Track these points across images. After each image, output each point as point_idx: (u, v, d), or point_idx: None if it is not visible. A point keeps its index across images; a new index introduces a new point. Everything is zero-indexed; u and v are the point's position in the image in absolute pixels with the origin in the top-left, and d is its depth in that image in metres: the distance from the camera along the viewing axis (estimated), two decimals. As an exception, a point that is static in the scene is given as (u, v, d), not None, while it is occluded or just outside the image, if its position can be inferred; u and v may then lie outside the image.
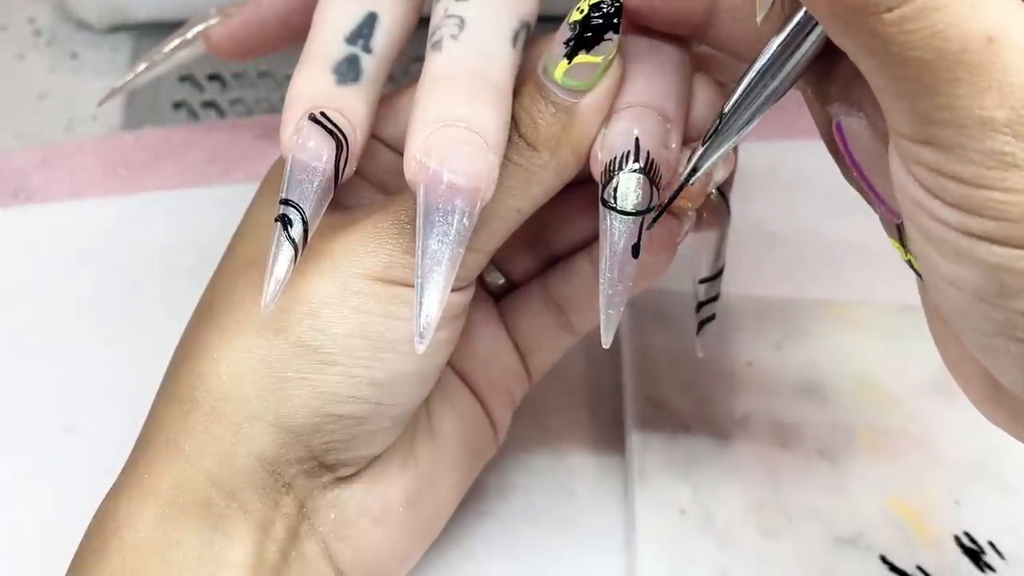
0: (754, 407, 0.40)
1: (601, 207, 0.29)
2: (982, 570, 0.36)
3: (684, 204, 0.31)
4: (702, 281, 0.35)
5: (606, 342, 0.29)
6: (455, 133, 0.27)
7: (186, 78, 0.52)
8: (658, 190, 0.29)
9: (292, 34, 0.35)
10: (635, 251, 0.29)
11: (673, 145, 0.29)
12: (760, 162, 0.47)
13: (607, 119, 0.29)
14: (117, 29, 0.54)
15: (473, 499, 0.38)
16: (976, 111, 0.22)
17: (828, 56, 0.26)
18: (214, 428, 0.29)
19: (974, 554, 0.36)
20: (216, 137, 0.49)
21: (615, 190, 0.28)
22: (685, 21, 0.29)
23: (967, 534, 0.37)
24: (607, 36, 0.28)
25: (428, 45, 0.28)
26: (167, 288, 0.43)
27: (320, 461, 0.30)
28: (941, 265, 0.24)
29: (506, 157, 0.28)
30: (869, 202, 0.27)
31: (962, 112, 0.22)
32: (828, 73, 0.26)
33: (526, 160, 0.29)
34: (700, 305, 0.35)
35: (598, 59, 0.28)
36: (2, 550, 0.37)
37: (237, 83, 0.52)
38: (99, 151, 0.48)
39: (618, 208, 0.28)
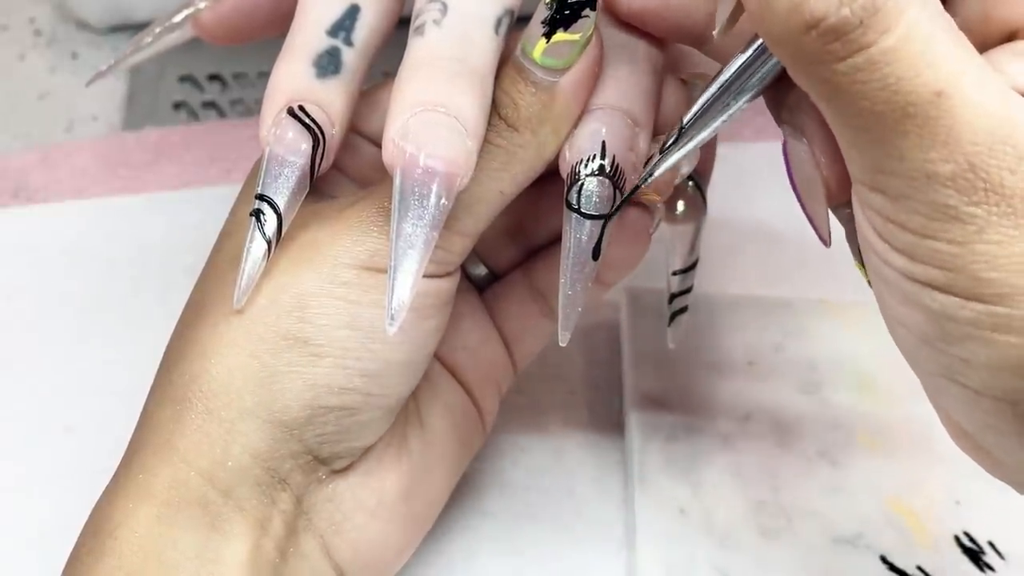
0: (754, 407, 0.40)
1: (565, 208, 0.29)
2: (982, 570, 0.36)
3: (652, 197, 0.32)
4: (675, 273, 0.35)
5: (563, 340, 0.30)
6: (433, 118, 0.27)
7: (186, 78, 0.52)
8: (621, 193, 0.29)
9: (282, 20, 0.35)
10: (595, 253, 0.29)
11: (641, 147, 0.30)
12: (761, 162, 0.47)
13: (578, 119, 0.29)
14: (117, 29, 0.54)
15: (473, 498, 0.38)
16: (922, 164, 0.22)
17: (782, 78, 0.26)
18: (207, 427, 0.29)
19: (974, 554, 0.36)
20: (216, 137, 0.49)
21: (579, 192, 0.29)
22: (687, 31, 0.29)
23: (967, 534, 0.37)
24: (584, 13, 0.28)
25: (411, 30, 0.28)
26: (167, 288, 0.43)
27: (315, 455, 0.30)
28: (891, 306, 0.25)
29: (488, 140, 0.28)
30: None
31: (909, 164, 0.23)
32: (781, 95, 0.27)
33: (507, 141, 0.29)
34: (672, 297, 0.35)
35: (576, 36, 0.28)
36: (2, 550, 0.37)
37: (237, 83, 0.52)
38: (99, 151, 0.48)
39: (581, 210, 0.29)
